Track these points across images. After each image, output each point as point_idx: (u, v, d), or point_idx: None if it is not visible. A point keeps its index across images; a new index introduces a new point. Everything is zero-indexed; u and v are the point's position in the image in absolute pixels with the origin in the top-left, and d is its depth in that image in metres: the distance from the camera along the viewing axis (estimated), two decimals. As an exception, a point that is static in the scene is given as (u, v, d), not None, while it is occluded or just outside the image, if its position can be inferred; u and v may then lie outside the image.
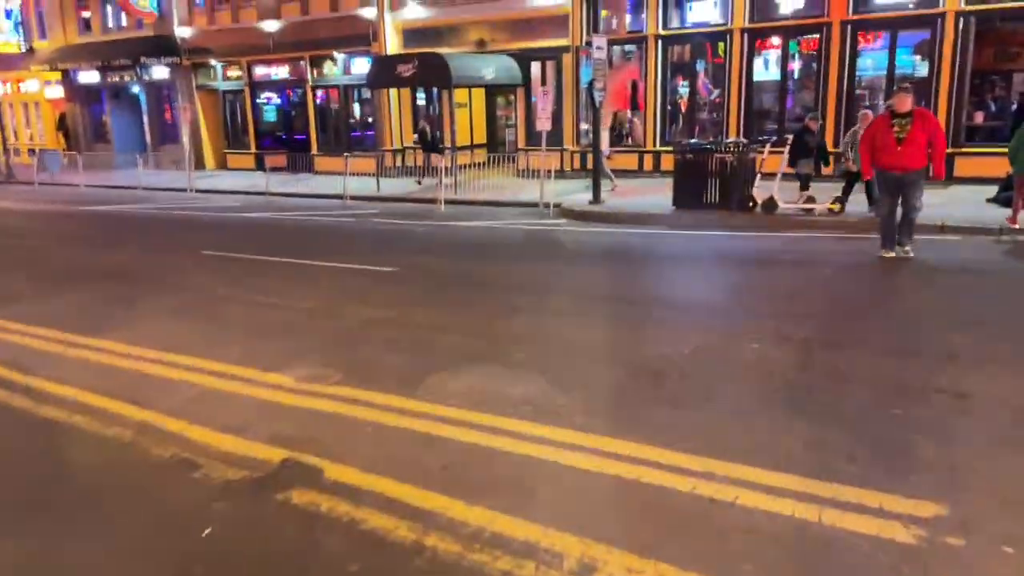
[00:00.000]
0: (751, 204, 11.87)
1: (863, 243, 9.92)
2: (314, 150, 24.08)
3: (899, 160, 8.39)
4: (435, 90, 20.92)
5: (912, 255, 8.56)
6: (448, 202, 15.72)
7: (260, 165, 24.96)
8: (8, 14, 29.52)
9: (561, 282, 8.41)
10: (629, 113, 18.82)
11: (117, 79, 28.13)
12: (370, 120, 22.98)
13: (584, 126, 18.72)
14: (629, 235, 11.30)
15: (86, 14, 28.62)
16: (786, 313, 6.51)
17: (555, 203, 14.14)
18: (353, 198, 17.21)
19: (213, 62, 25.51)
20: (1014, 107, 15.15)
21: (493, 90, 21.36)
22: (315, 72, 23.57)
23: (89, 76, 28.70)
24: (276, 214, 14.92)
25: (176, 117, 27.28)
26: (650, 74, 17.71)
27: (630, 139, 18.64)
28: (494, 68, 18.75)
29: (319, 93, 23.93)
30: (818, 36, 15.78)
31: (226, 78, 25.76)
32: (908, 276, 8.10)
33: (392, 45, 21.21)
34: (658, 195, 14.37)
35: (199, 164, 26.83)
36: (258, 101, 25.49)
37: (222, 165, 26.70)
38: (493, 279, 8.62)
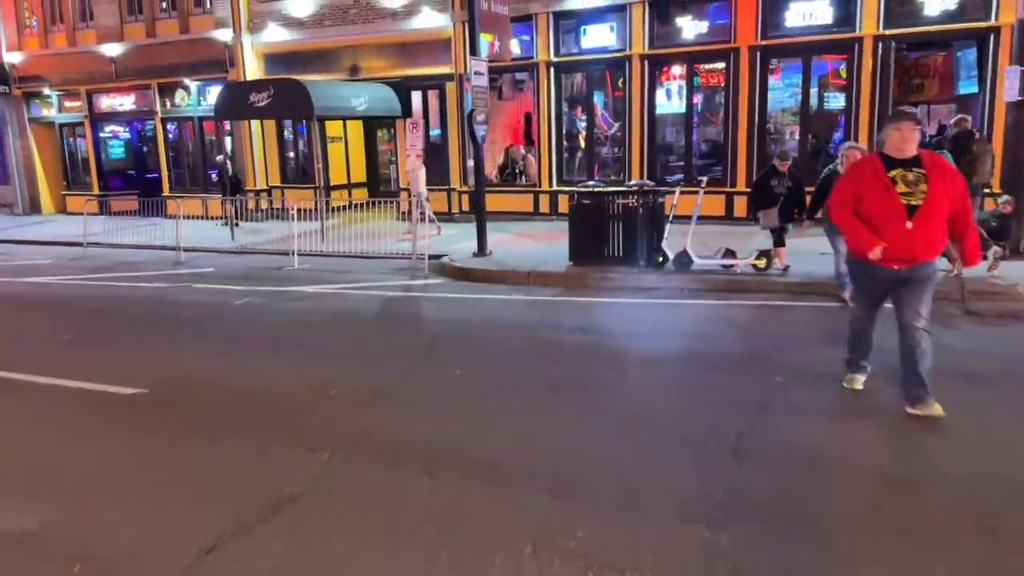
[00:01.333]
0: (661, 259, 9.84)
1: (803, 312, 7.97)
2: (166, 191, 20.95)
3: (906, 244, 4.72)
4: (304, 122, 18.32)
5: (942, 414, 4.82)
6: (310, 255, 13.12)
7: (106, 208, 21.66)
8: None
9: (385, 419, 5.25)
10: (522, 149, 16.77)
11: (-64, 110, 24.17)
12: (225, 158, 20.09)
13: (471, 163, 16.52)
14: (509, 304, 8.98)
15: (-103, 35, 24.58)
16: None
17: (434, 255, 11.80)
18: (195, 250, 14.33)
19: (47, 91, 22.09)
20: (931, 137, 13.86)
21: (373, 122, 18.97)
22: (166, 102, 20.55)
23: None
24: (76, 279, 11.91)
25: (5, 154, 23.58)
26: (543, 105, 15.72)
27: (524, 177, 16.56)
28: (367, 98, 16.37)
29: (170, 126, 20.89)
30: (724, 64, 14.17)
31: (63, 109, 22.34)
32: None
33: (252, 72, 18.53)
34: (555, 244, 12.23)
35: (34, 208, 23.22)
36: (102, 135, 22.18)
37: (61, 209, 23.12)
38: (281, 411, 5.43)
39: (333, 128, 18.79)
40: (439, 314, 8.72)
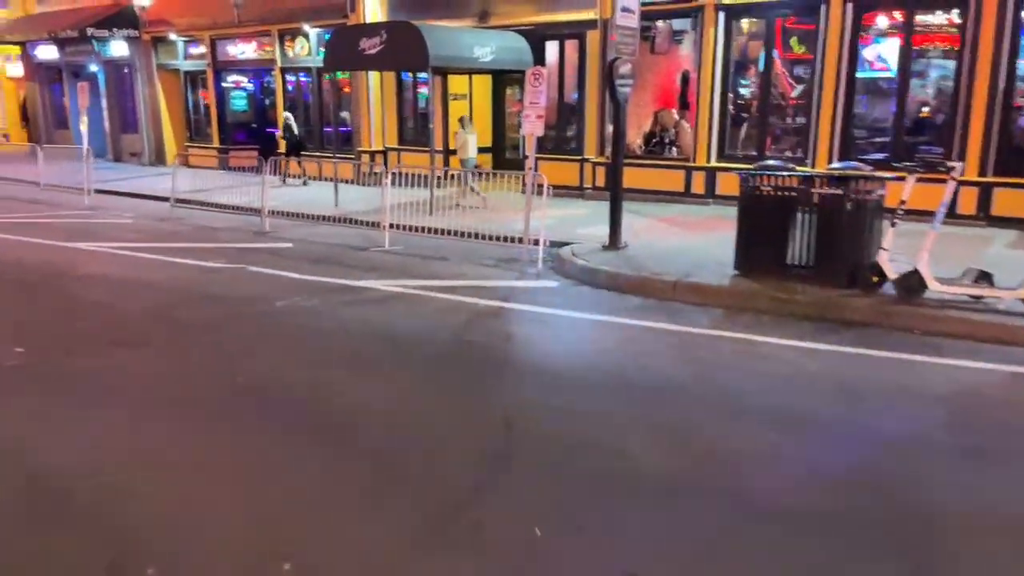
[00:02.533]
0: (874, 279, 6.77)
1: None
2: (282, 148, 19.47)
3: None
4: (428, 75, 16.12)
5: None
6: (409, 230, 10.91)
7: (225, 163, 20.54)
8: (-38, -23, 25.69)
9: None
10: (675, 114, 13.76)
11: (76, 56, 23.99)
12: (345, 113, 18.29)
13: (611, 128, 13.74)
14: (647, 339, 6.15)
15: (45, -21, 24.60)
16: None
17: (553, 243, 9.23)
18: (289, 215, 12.50)
19: (174, 37, 21.14)
20: None
21: (502, 78, 16.49)
22: (286, 51, 18.98)
23: (47, 52, 24.64)
24: (130, 247, 10.26)
25: (135, 101, 23.04)
26: (706, 59, 12.63)
27: (674, 149, 13.58)
28: (493, 47, 13.85)
29: (289, 78, 19.33)
30: (959, 10, 10.56)
31: (188, 56, 21.36)
32: None
33: (373, 16, 16.48)
34: (712, 239, 9.35)
35: (159, 158, 22.57)
36: (224, 85, 21.01)
37: (184, 160, 22.30)
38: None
39: (457, 84, 16.47)
40: (540, 352, 5.90)
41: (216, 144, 21.11)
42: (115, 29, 21.32)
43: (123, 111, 23.89)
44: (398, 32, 13.10)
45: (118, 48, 22.54)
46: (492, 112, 17.30)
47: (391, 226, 10.38)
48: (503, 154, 17.37)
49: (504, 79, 16.64)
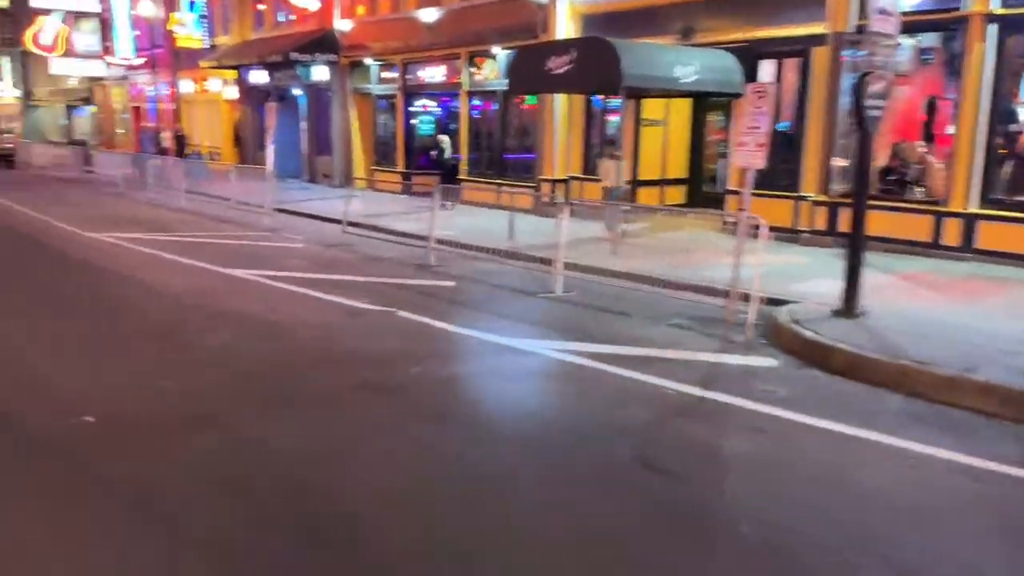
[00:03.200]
0: None
1: None
2: (463, 174, 18.81)
3: None
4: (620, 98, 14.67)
5: None
6: (589, 271, 9.43)
7: (407, 187, 20.29)
8: (192, 6, 27.77)
9: None
10: (920, 146, 11.30)
11: (283, 81, 25.04)
12: (527, 139, 17.24)
13: (838, 163, 11.52)
14: (929, 481, 4.14)
15: (262, 6, 25.96)
16: None
17: (765, 299, 7.34)
18: (457, 246, 11.47)
19: (369, 61, 21.27)
20: None
21: (703, 102, 14.70)
22: (473, 74, 18.32)
23: (258, 76, 25.93)
24: (285, 276, 9.58)
25: (329, 125, 23.51)
26: (968, 81, 10.14)
27: (918, 189, 11.11)
28: (697, 66, 12.11)
29: (475, 102, 18.64)
30: None
31: (381, 80, 21.40)
32: None
33: (566, 36, 15.30)
34: (978, 309, 7.08)
35: (348, 181, 22.77)
36: (411, 109, 20.79)
37: (372, 184, 22.37)
38: None
39: (652, 108, 14.86)
40: (772, 501, 3.76)
41: (400, 168, 20.90)
42: (316, 53, 21.81)
43: (320, 134, 24.51)
44: (589, 49, 11.74)
45: (319, 73, 23.12)
46: (690, 141, 15.50)
47: (566, 266, 8.92)
48: (699, 188, 15.51)
49: (705, 104, 14.84)
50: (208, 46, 28.20)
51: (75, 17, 37.48)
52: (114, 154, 22.51)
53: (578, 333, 6.89)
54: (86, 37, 37.84)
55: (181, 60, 30.99)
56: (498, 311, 7.73)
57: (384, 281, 9.14)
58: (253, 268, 9.55)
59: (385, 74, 21.16)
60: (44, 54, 36.87)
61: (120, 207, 16.84)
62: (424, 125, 21.01)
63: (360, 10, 21.39)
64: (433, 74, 19.58)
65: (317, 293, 8.28)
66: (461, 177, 18.75)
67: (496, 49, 17.14)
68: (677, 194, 15.62)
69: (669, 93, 13.55)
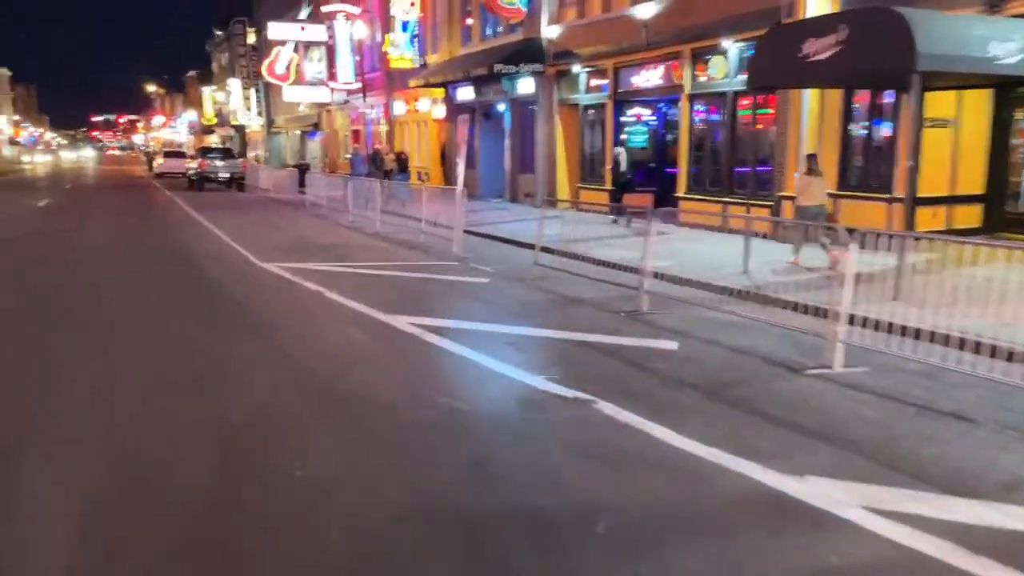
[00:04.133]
0: None
1: None
2: (681, 190, 16.19)
3: None
4: (909, 88, 11.43)
5: None
6: (871, 325, 6.56)
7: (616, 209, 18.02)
8: (404, 26, 27.56)
9: None
10: None
11: (488, 96, 23.88)
12: (762, 148, 14.25)
13: None
14: None
15: (470, 21, 25.05)
16: None
17: None
18: (669, 279, 8.96)
19: (576, 69, 19.29)
20: None
21: (1010, 95, 11.04)
22: (696, 74, 15.67)
23: (464, 93, 25.04)
24: (476, 335, 7.53)
25: (534, 141, 21.86)
26: None
27: None
28: (1021, 42, 8.68)
29: (698, 107, 15.95)
30: None
31: (589, 89, 19.32)
32: None
33: (816, 20, 12.23)
34: None
35: (550, 199, 20.95)
36: (622, 119, 18.49)
37: (575, 204, 20.36)
38: None
39: (939, 104, 11.36)
40: None
41: (609, 186, 18.65)
42: (522, 64, 20.24)
43: (523, 151, 22.98)
44: (867, 24, 8.73)
45: (524, 85, 21.59)
46: (991, 144, 11.79)
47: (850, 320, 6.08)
48: (1001, 207, 11.76)
49: (1013, 97, 11.15)
50: (419, 65, 27.89)
51: (305, 47, 39.52)
52: (326, 176, 22.48)
53: (883, 461, 4.13)
54: (315, 66, 39.76)
55: (395, 82, 31.19)
56: (759, 407, 5.07)
57: (581, 339, 6.86)
58: (422, 315, 7.69)
59: (594, 81, 19.07)
60: (278, 83, 39.24)
61: (313, 231, 16.14)
62: (636, 137, 18.63)
63: (569, 14, 19.52)
64: (648, 78, 17.16)
65: (490, 360, 6.16)
66: (679, 195, 16.15)
67: (726, 43, 14.38)
68: (968, 214, 11.96)
69: (970, 81, 10.09)
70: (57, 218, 18.46)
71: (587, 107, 19.53)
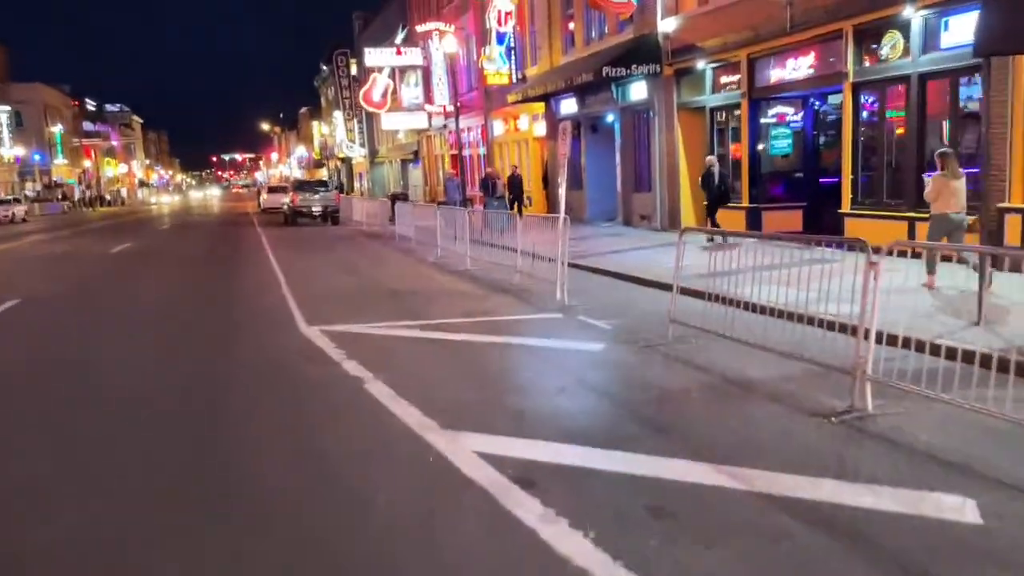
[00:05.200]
0: None
1: None
2: (846, 205, 12.72)
3: None
4: None
5: None
6: None
7: (755, 225, 14.80)
8: (500, 39, 25.15)
9: None
10: None
11: (594, 107, 21.03)
12: (961, 144, 10.65)
13: None
14: None
15: (572, 25, 22.34)
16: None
17: None
18: (895, 342, 5.71)
19: (700, 65, 16.14)
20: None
21: None
22: (863, 57, 12.23)
23: (567, 106, 22.29)
24: (602, 476, 4.62)
25: (649, 153, 18.79)
26: None
27: None
28: None
29: (866, 97, 12.48)
30: None
31: (716, 88, 16.10)
32: None
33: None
34: None
35: (672, 222, 17.81)
36: (762, 121, 15.19)
37: (703, 223, 17.11)
38: None
39: None
40: None
41: (744, 203, 15.34)
42: (633, 65, 17.29)
43: (637, 166, 19.95)
44: None
45: (637, 91, 18.63)
46: None
47: None
48: None
49: None
50: (517, 79, 25.40)
51: (402, 72, 38.05)
52: (415, 207, 20.22)
53: None
54: (412, 91, 38.20)
55: (492, 100, 28.89)
56: None
57: (784, 495, 3.80)
58: (504, 432, 4.85)
59: (723, 78, 15.84)
60: (375, 111, 37.89)
61: (391, 271, 13.68)
62: (778, 142, 15.26)
63: (689, 2, 16.44)
64: (794, 68, 13.80)
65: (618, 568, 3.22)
66: (844, 211, 12.68)
67: (907, 10, 10.94)
68: None
69: None
70: (117, 266, 16.86)
71: (715, 109, 16.31)
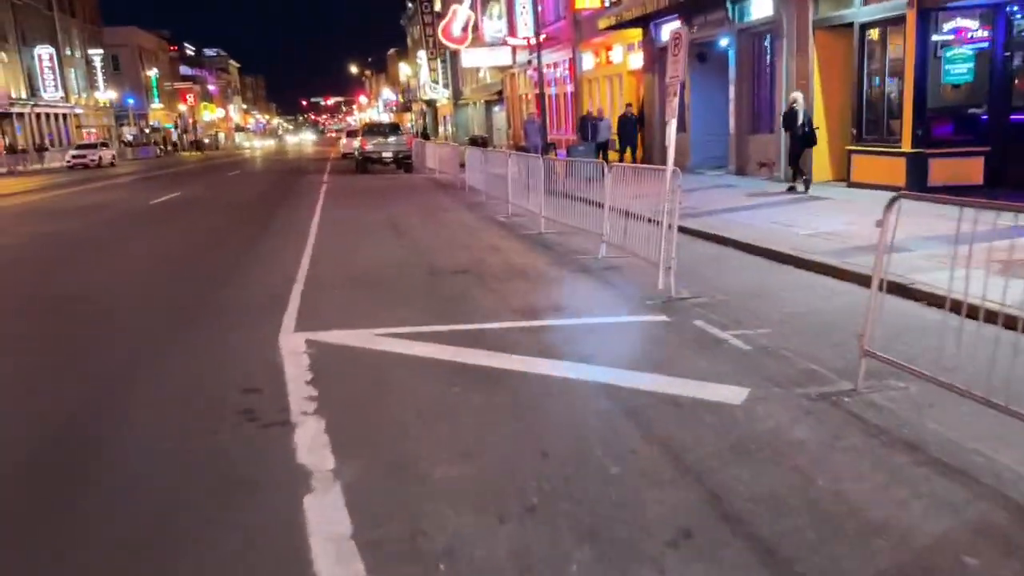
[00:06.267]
0: None
1: None
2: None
3: None
4: None
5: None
6: None
7: (919, 176, 11.47)
8: (589, -44, 21.67)
9: None
10: None
11: (704, 29, 17.51)
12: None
13: None
14: None
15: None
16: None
17: None
18: None
19: (848, -33, 12.49)
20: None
21: None
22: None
23: (670, 30, 18.76)
24: None
25: (773, 84, 15.28)
26: None
27: None
28: None
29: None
30: None
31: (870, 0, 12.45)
32: None
33: None
34: None
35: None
36: (934, 39, 11.52)
37: (842, 175, 13.63)
38: None
39: None
40: None
41: (906, 146, 11.81)
42: (756, -26, 13.78)
43: (756, 103, 16.46)
44: None
45: (759, 7, 15.10)
46: None
47: None
48: None
49: None
50: (611, 2, 21.93)
51: (484, 2, 34.84)
52: (488, 152, 17.42)
53: None
54: (494, 24, 34.96)
55: (582, 30, 25.50)
56: None
57: None
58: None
59: (881, -16, 12.19)
60: (455, 46, 34.95)
61: (445, 237, 10.98)
62: (955, 67, 11.55)
63: None
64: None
65: None
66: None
67: None
68: None
69: None
70: (147, 221, 14.84)
71: (866, 26, 12.65)
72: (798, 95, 12.61)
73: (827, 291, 6.57)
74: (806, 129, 12.40)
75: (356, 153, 27.45)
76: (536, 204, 11.42)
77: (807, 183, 12.65)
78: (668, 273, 6.70)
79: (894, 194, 4.17)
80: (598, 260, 8.52)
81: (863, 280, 5.88)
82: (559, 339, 5.52)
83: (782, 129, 13.34)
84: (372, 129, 29.04)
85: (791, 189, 12.89)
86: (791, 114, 12.48)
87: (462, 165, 19.13)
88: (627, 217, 8.05)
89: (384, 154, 25.74)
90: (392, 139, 26.74)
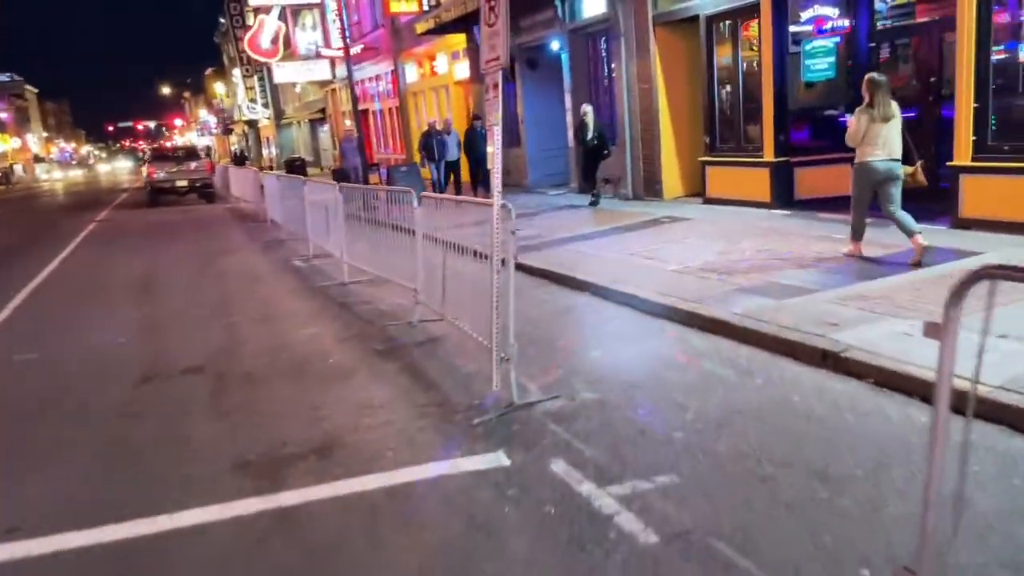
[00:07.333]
0: None
1: None
2: (961, 155, 7.70)
3: None
4: None
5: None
6: None
7: (784, 189, 9.97)
8: (404, -46, 19.34)
9: None
10: None
11: (532, 34, 15.57)
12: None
13: None
14: None
15: (496, -73, 16.67)
16: None
17: None
18: None
19: (689, -48, 10.87)
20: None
21: None
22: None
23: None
24: None
25: (612, 93, 13.54)
26: None
27: None
28: None
29: (1006, -34, 7.43)
30: None
31: (717, -14, 10.86)
32: None
33: None
34: None
35: (648, 187, 12.68)
36: (790, 30, 10.05)
37: (694, 189, 12.02)
38: None
39: None
40: None
41: (768, 155, 10.26)
42: (587, -37, 11.93)
43: (595, 111, 14.68)
44: None
45: (591, 5, 13.30)
46: None
47: None
48: None
49: None
50: (430, 6, 19.67)
51: (295, 13, 31.62)
52: (282, 179, 14.33)
53: None
54: (308, 35, 31.84)
55: (402, 38, 23.10)
56: None
57: None
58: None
59: (729, -29, 10.62)
60: (264, 60, 31.42)
61: (215, 296, 8.15)
62: (815, 62, 10.11)
63: None
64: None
65: None
66: (957, 163, 7.72)
67: None
68: None
69: None
70: None
71: (714, 18, 11.04)
72: (587, 107, 12.40)
73: (741, 369, 4.48)
74: (595, 142, 12.16)
75: (144, 183, 23.53)
76: (337, 245, 8.81)
77: (596, 197, 12.51)
78: (505, 363, 4.35)
79: (969, 272, 1.93)
80: (413, 328, 6.07)
81: (784, 347, 3.81)
82: (296, 554, 2.97)
83: (577, 143, 13.06)
84: (162, 155, 24.97)
85: (593, 203, 12.49)
86: (582, 127, 12.29)
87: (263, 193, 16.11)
88: (445, 270, 5.64)
89: (178, 183, 22.04)
90: (190, 165, 23.03)
